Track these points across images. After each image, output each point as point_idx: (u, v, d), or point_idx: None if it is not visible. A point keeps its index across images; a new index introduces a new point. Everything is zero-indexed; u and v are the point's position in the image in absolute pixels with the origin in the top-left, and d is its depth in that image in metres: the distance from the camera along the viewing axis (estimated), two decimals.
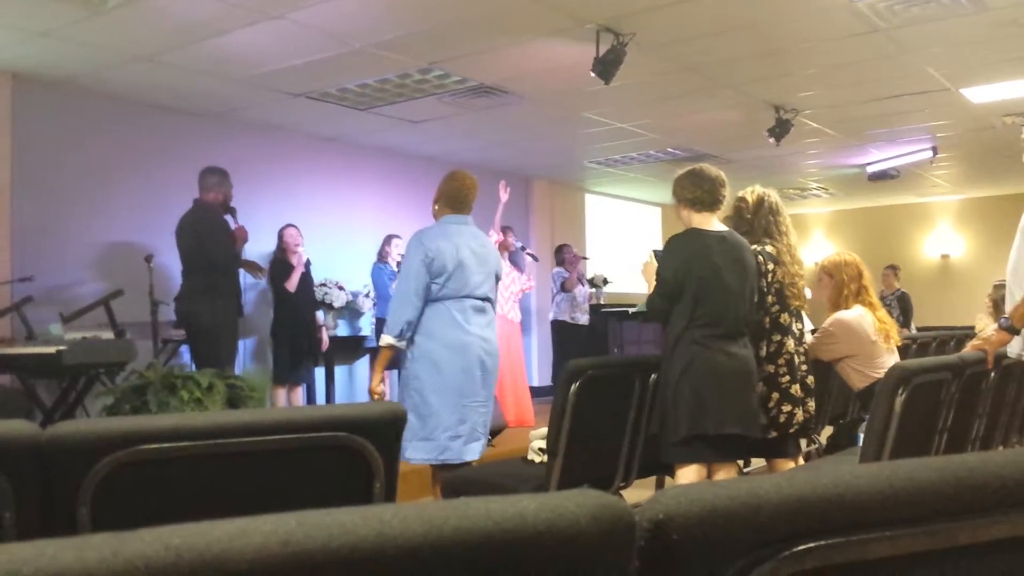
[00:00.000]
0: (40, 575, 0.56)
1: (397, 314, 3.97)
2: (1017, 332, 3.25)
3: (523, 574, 0.66)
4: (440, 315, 3.98)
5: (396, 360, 4.21)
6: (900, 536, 0.79)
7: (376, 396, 4.12)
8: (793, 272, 3.93)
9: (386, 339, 3.98)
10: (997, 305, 5.44)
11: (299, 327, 7.44)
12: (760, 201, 4.06)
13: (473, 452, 4.01)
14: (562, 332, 9.66)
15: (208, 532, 0.60)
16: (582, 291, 9.55)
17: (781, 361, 3.85)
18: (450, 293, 3.97)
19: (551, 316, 9.82)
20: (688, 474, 3.54)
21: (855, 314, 4.23)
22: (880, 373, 3.54)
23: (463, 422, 3.95)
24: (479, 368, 4.02)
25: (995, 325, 3.31)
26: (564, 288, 9.50)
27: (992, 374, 3.51)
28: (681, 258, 3.58)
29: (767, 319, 3.87)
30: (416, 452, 3.91)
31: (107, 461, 1.56)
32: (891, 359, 4.10)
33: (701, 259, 3.56)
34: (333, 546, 0.61)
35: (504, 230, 7.82)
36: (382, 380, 4.17)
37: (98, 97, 7.02)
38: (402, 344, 3.98)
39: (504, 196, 7.12)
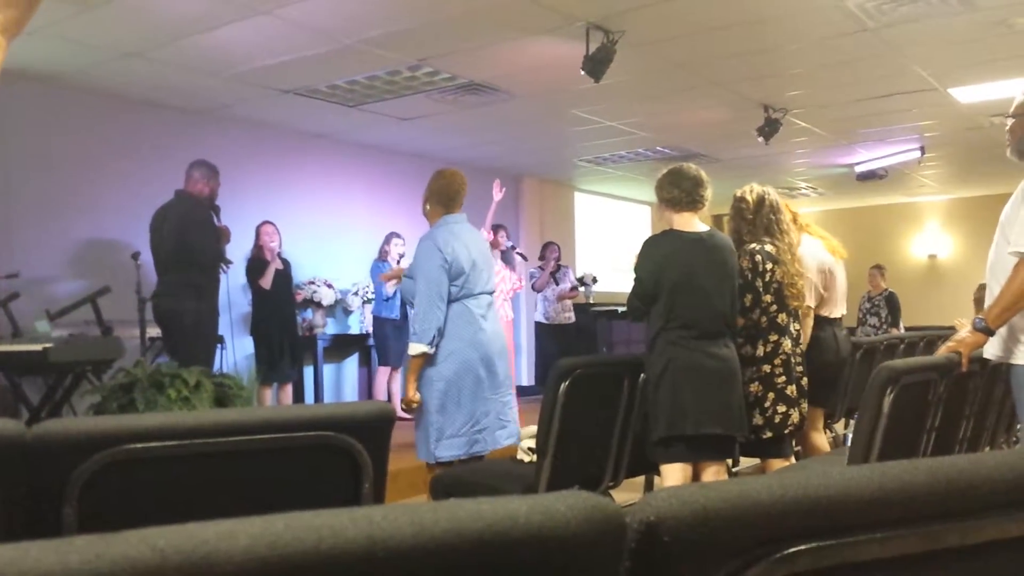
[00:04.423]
0: None
1: (427, 322, 3.92)
2: (992, 333, 3.18)
3: None
4: (461, 314, 4.01)
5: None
6: (891, 538, 0.79)
7: (415, 406, 4.02)
8: (792, 272, 3.92)
9: (419, 348, 3.93)
10: (979, 305, 5.45)
11: (276, 325, 7.40)
12: (760, 200, 4.05)
13: (501, 439, 4.07)
14: (540, 333, 9.71)
15: (195, 534, 0.60)
16: (556, 290, 9.54)
17: (777, 361, 3.85)
18: (467, 292, 4.03)
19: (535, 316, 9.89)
20: (673, 473, 3.55)
21: None
22: None
23: (487, 414, 4.01)
24: (499, 360, 4.10)
25: (969, 327, 3.25)
26: (534, 288, 9.52)
27: (979, 375, 3.51)
28: (656, 260, 3.60)
29: (764, 319, 3.87)
30: (446, 450, 3.92)
31: (93, 460, 1.55)
32: None
33: (675, 261, 3.58)
34: (322, 548, 0.60)
35: (495, 229, 7.81)
36: (416, 389, 4.09)
37: (85, 94, 6.98)
38: (432, 350, 3.95)
39: (498, 196, 7.11)
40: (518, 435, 4.13)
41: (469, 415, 3.96)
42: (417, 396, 4.00)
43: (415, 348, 3.94)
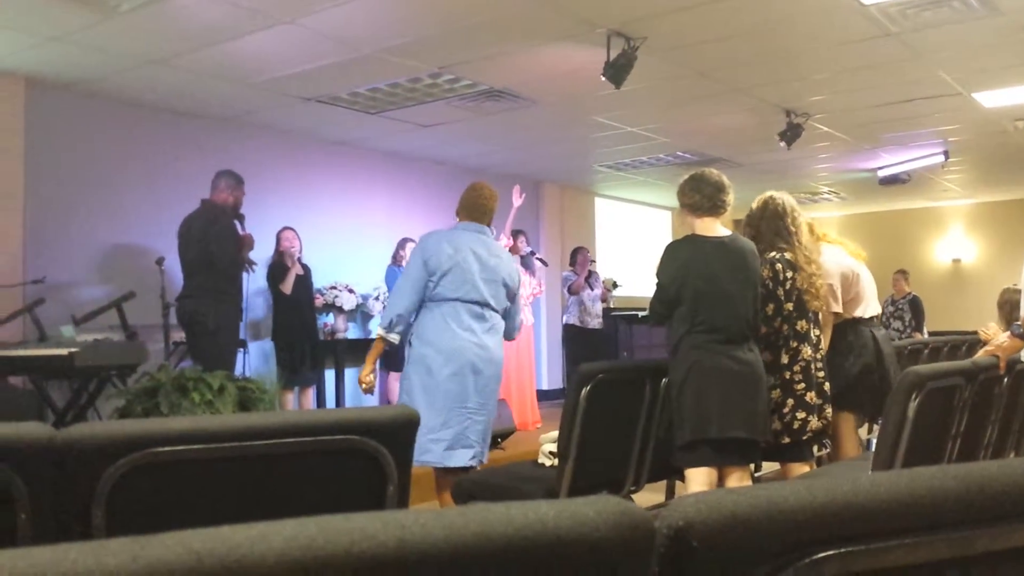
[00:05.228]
0: None
1: (390, 307, 4.11)
2: None
3: None
4: (433, 318, 4.02)
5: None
6: (919, 544, 0.79)
7: (364, 385, 4.16)
8: (809, 273, 3.90)
9: (378, 330, 4.12)
10: (1003, 309, 5.41)
11: (297, 330, 7.44)
12: (764, 205, 4.05)
13: (457, 459, 3.95)
14: (572, 336, 9.62)
15: (229, 537, 0.60)
16: (591, 295, 9.52)
17: (797, 368, 3.83)
18: (445, 294, 4.00)
19: (563, 320, 9.82)
20: (698, 477, 3.54)
21: None
22: None
23: (447, 427, 3.92)
24: (471, 373, 4.00)
25: (1007, 332, 3.31)
26: (570, 291, 9.48)
27: (1005, 379, 3.49)
28: (677, 265, 3.61)
29: (785, 326, 3.85)
30: None
31: (122, 463, 1.57)
32: None
33: (697, 266, 3.58)
34: (355, 551, 0.61)
35: (515, 234, 7.81)
36: (371, 371, 4.19)
37: (110, 101, 7.05)
38: (392, 337, 4.04)
39: (517, 201, 7.11)
40: (482, 458, 4.08)
41: (425, 421, 3.88)
42: (369, 378, 4.14)
43: (377, 330, 4.13)
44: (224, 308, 5.78)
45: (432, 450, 3.91)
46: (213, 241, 5.73)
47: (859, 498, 0.76)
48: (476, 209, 4.21)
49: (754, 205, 4.10)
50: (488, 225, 4.26)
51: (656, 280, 3.68)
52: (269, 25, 5.45)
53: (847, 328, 4.35)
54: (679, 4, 5.25)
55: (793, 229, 3.97)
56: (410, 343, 4.08)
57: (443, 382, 3.95)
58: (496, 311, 4.16)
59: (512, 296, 4.25)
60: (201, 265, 5.75)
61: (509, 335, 4.35)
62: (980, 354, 3.38)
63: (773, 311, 3.84)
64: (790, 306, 3.86)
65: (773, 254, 3.91)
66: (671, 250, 3.70)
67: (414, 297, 4.02)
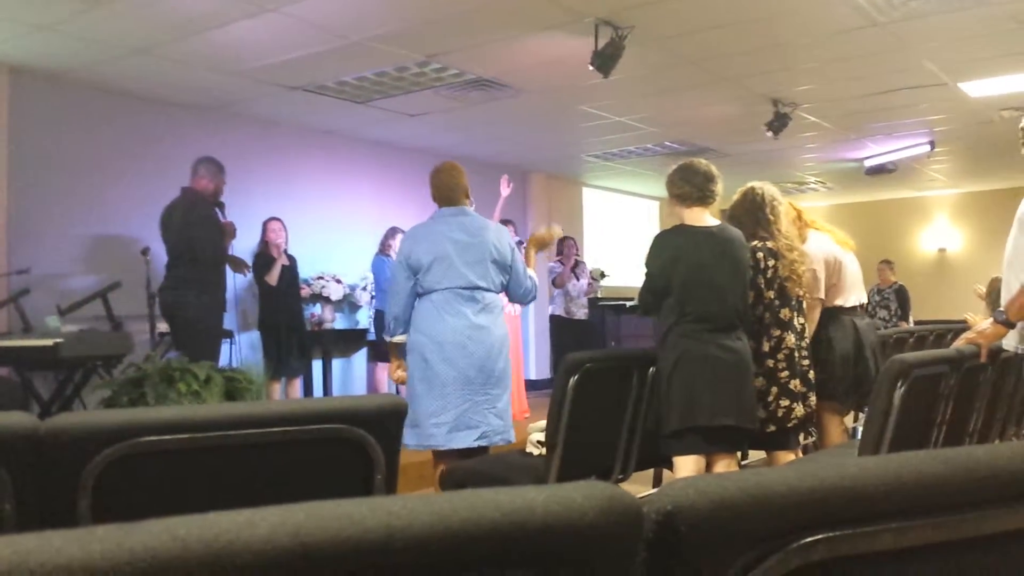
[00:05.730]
0: (46, 567, 0.56)
1: (387, 313, 4.22)
2: (1012, 326, 3.24)
3: (531, 565, 0.66)
4: (425, 308, 4.05)
5: None
6: (907, 528, 0.79)
7: (395, 380, 4.37)
8: (791, 260, 3.92)
9: (386, 338, 4.26)
10: (989, 297, 5.43)
11: (284, 320, 7.42)
12: (743, 196, 4.10)
13: (461, 440, 3.96)
14: (558, 327, 9.63)
15: (215, 523, 0.60)
16: (577, 286, 9.52)
17: (781, 356, 3.85)
18: (432, 286, 4.02)
19: (549, 310, 9.81)
20: (686, 465, 3.56)
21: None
22: None
23: (446, 410, 3.95)
24: (463, 355, 3.99)
25: (990, 319, 3.31)
26: (555, 284, 9.48)
27: (989, 368, 3.51)
28: (666, 254, 3.62)
29: (767, 315, 3.87)
30: (408, 438, 3.99)
31: (107, 453, 1.56)
32: None
33: (686, 255, 3.58)
34: (342, 537, 0.60)
35: (503, 224, 7.79)
36: (399, 367, 4.27)
37: (95, 90, 7.00)
38: (399, 339, 4.14)
39: (505, 191, 7.09)
40: (501, 435, 4.05)
41: (426, 408, 3.97)
42: (398, 373, 4.29)
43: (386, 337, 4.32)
44: (205, 299, 5.67)
45: (435, 434, 3.96)
46: (195, 229, 5.63)
47: (846, 482, 0.76)
48: (446, 191, 4.19)
49: (735, 196, 4.13)
50: (466, 199, 4.21)
51: (645, 270, 3.68)
52: (254, 13, 5.42)
53: (827, 316, 4.36)
54: None
55: (772, 218, 4.00)
56: (410, 335, 4.12)
57: (437, 367, 3.97)
58: (489, 290, 4.11)
59: (506, 268, 4.19)
60: (182, 255, 5.64)
61: (521, 300, 4.41)
62: (961, 340, 3.37)
63: (754, 299, 3.86)
64: (771, 294, 3.88)
65: (755, 243, 3.93)
66: (660, 240, 3.70)
67: (405, 299, 4.09)
